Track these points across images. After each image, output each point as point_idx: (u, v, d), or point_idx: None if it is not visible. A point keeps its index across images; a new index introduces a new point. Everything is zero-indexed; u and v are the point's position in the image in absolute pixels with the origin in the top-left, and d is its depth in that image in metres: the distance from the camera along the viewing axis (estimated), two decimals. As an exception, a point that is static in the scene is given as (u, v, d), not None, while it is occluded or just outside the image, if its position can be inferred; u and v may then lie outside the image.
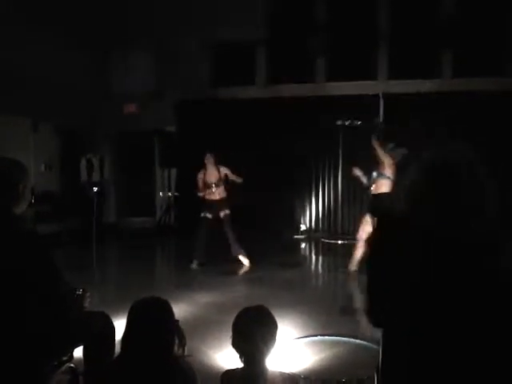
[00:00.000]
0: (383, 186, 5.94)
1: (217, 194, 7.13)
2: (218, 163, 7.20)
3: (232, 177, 7.17)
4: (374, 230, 1.81)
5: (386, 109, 9.36)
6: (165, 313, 2.12)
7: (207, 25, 9.77)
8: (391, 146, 6.22)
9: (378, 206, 5.68)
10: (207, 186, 7.09)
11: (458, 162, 1.56)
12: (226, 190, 7.25)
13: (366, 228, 6.09)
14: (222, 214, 7.07)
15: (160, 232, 9.96)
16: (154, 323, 2.06)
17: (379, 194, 5.81)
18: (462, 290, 1.48)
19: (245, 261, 7.09)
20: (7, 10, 7.99)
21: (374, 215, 5.86)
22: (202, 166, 7.21)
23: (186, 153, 10.09)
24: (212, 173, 7.15)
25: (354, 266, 6.33)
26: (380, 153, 6.03)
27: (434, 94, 8.98)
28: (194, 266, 6.97)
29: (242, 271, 6.88)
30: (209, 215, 7.09)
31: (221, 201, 7.13)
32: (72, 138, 9.81)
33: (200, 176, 7.16)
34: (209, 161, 7.16)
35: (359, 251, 6.29)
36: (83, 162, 9.10)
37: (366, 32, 9.51)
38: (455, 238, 1.51)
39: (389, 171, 5.96)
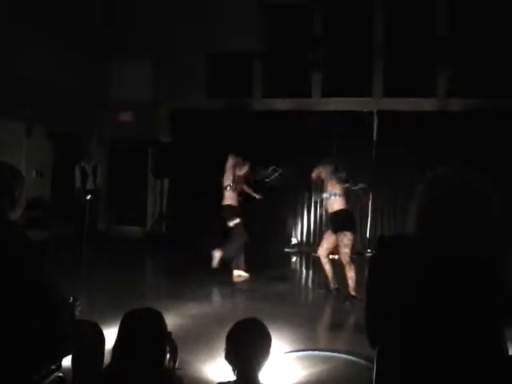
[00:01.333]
0: (335, 203, 6.06)
1: (237, 201, 7.14)
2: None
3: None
4: (374, 251, 1.82)
5: (380, 126, 9.45)
6: (157, 324, 2.10)
7: (205, 36, 9.83)
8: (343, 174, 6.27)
9: (337, 221, 5.85)
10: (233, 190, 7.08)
11: (470, 184, 1.57)
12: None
13: (325, 245, 6.14)
14: (232, 223, 6.99)
15: (151, 241, 9.91)
16: (145, 334, 2.04)
17: (337, 211, 5.97)
18: (464, 308, 1.49)
19: (242, 273, 7.03)
20: (4, 15, 7.98)
21: (335, 230, 6.01)
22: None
23: (180, 163, 10.11)
24: (240, 180, 7.23)
25: (332, 283, 6.24)
26: (328, 177, 6.18)
27: (429, 112, 9.07)
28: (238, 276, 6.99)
29: (233, 283, 6.84)
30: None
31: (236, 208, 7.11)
32: (65, 144, 9.77)
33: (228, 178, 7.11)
34: (242, 167, 7.22)
35: (327, 267, 6.23)
36: (77, 170, 9.05)
37: (362, 49, 9.61)
38: (464, 257, 1.52)
39: (338, 189, 6.07)
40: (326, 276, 6.28)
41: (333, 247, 6.13)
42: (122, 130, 10.44)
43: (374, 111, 9.48)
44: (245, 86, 10.28)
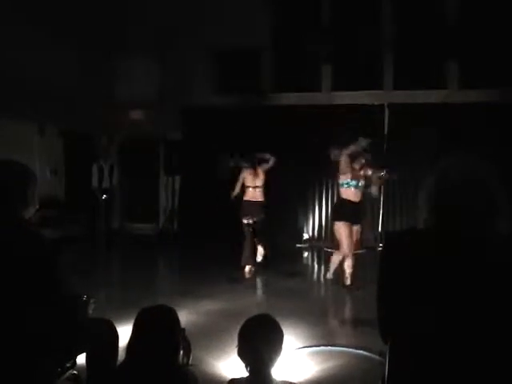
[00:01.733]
0: (355, 193, 6.04)
1: (257, 197, 7.22)
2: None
3: None
4: (383, 246, 1.82)
5: (390, 119, 9.39)
6: (171, 321, 2.11)
7: (212, 32, 9.81)
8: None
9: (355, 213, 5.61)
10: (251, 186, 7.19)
11: (480, 170, 1.58)
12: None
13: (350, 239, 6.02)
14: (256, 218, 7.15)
15: (163, 239, 9.95)
16: (159, 331, 2.06)
17: (355, 202, 5.91)
18: (480, 298, 1.48)
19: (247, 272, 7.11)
20: (13, 17, 8.04)
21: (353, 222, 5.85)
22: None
23: (191, 160, 10.14)
24: (262, 176, 7.30)
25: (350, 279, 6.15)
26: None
27: (440, 104, 8.99)
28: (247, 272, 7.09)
29: (245, 279, 6.85)
30: (249, 220, 7.17)
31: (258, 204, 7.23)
32: (78, 143, 9.84)
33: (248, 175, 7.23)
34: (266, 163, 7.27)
35: (349, 263, 6.12)
36: (95, 169, 9.14)
37: (372, 41, 9.54)
38: (475, 245, 1.52)
39: (361, 178, 6.07)
40: (344, 272, 6.20)
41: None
42: (132, 129, 10.49)
43: (385, 104, 9.42)
44: (253, 82, 10.26)
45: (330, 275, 6.58)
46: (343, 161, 6.04)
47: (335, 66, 9.82)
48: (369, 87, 9.54)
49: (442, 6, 9.20)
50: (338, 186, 6.23)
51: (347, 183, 6.06)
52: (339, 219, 6.02)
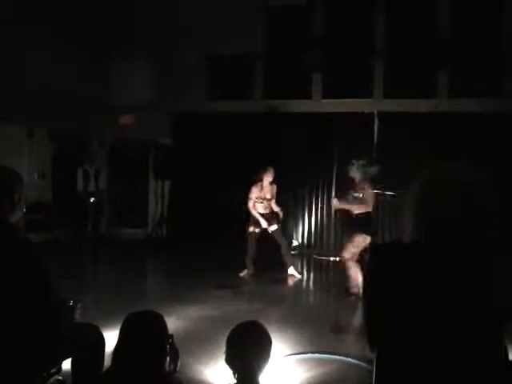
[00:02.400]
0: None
1: (268, 208, 7.35)
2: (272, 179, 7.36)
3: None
4: (369, 253, 1.82)
5: (380, 127, 9.44)
6: (158, 327, 2.10)
7: (205, 38, 9.84)
8: (361, 162, 6.19)
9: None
10: (260, 200, 7.25)
11: (468, 179, 1.57)
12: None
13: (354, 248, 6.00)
14: (272, 228, 7.26)
15: (152, 244, 9.90)
16: (146, 337, 2.04)
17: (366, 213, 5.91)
18: (469, 307, 1.49)
19: (295, 273, 7.40)
20: (4, 19, 8.00)
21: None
22: (258, 180, 7.28)
23: (181, 165, 10.12)
24: (269, 188, 7.32)
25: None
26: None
27: (430, 113, 9.05)
28: (244, 274, 7.30)
29: (233, 286, 6.83)
30: (257, 230, 7.26)
31: (272, 215, 7.35)
32: (66, 146, 9.79)
33: (255, 190, 7.24)
34: (269, 175, 7.25)
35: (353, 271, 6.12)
36: (79, 173, 9.08)
37: (363, 49, 9.61)
38: (463, 254, 1.51)
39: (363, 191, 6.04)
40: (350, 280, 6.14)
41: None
42: (122, 133, 10.45)
43: (375, 112, 9.48)
44: (245, 88, 10.29)
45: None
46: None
47: (326, 74, 9.86)
48: (359, 95, 9.60)
49: (433, 16, 9.29)
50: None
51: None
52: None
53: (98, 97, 10.09)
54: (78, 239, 7.94)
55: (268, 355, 2.12)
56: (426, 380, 1.51)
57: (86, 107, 9.82)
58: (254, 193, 7.22)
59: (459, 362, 1.49)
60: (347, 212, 6.27)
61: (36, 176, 9.22)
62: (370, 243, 5.82)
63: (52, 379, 2.55)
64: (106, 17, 9.96)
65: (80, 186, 9.06)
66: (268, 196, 7.30)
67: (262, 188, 7.26)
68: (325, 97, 9.88)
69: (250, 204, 7.23)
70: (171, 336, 2.19)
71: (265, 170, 7.24)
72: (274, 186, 7.39)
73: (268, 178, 7.25)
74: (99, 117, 10.18)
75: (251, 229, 7.28)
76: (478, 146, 8.33)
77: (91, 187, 9.07)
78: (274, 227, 7.27)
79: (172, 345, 2.18)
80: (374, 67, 9.63)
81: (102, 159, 10.37)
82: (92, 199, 8.11)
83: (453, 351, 1.49)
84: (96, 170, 9.22)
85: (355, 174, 6.13)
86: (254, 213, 7.22)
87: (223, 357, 2.13)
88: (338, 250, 9.24)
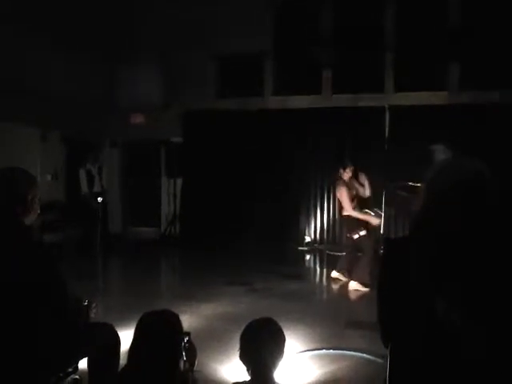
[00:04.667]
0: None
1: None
2: None
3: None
4: (383, 248, 1.83)
5: (391, 121, 9.37)
6: (173, 326, 2.11)
7: (214, 36, 9.84)
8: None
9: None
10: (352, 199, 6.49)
11: (478, 170, 1.57)
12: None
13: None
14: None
15: (165, 242, 9.95)
16: (162, 336, 2.05)
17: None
18: (482, 300, 1.48)
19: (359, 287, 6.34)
20: (16, 23, 8.06)
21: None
22: (348, 180, 6.54)
23: (193, 163, 10.17)
24: (354, 184, 6.64)
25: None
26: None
27: (441, 106, 8.98)
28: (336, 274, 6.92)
29: (246, 283, 6.85)
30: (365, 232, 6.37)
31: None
32: (79, 147, 9.85)
33: (347, 192, 6.44)
34: (349, 171, 6.54)
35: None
36: (82, 174, 8.92)
37: (373, 44, 9.54)
38: (470, 246, 1.51)
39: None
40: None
41: None
42: (134, 133, 10.50)
43: (386, 106, 9.41)
44: (255, 85, 10.28)
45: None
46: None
47: (336, 69, 9.82)
48: (369, 89, 9.54)
49: (443, 8, 9.20)
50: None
51: None
52: None
53: (109, 97, 10.15)
54: (91, 239, 7.97)
55: (282, 351, 2.12)
56: (439, 375, 1.50)
57: (98, 107, 9.89)
58: (348, 195, 6.44)
59: (473, 355, 1.48)
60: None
61: (49, 177, 9.28)
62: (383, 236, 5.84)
63: (69, 378, 2.57)
64: (115, 16, 9.99)
65: (84, 187, 8.84)
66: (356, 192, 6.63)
67: (349, 187, 6.54)
68: (335, 92, 9.84)
69: (350, 209, 6.43)
70: (188, 334, 2.20)
71: (344, 168, 6.54)
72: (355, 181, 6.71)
73: (348, 175, 6.57)
74: (110, 117, 10.24)
75: (362, 232, 6.35)
76: (490, 138, 8.24)
77: (96, 187, 8.94)
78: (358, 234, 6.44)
79: (189, 343, 2.19)
80: (384, 61, 9.56)
81: (112, 158, 10.39)
82: (99, 199, 8.02)
83: (467, 345, 1.48)
84: (99, 169, 9.12)
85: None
86: (361, 215, 6.45)
87: (237, 354, 2.14)
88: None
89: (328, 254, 9.29)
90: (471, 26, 8.95)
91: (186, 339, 2.17)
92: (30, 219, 2.33)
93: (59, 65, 8.88)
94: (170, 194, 10.43)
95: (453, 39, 9.08)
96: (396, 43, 9.45)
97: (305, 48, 9.82)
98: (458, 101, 8.97)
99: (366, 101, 9.42)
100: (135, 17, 10.27)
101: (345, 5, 9.74)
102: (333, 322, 4.97)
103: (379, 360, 3.61)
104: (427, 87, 9.21)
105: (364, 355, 3.96)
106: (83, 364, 2.62)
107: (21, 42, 8.10)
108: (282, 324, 2.25)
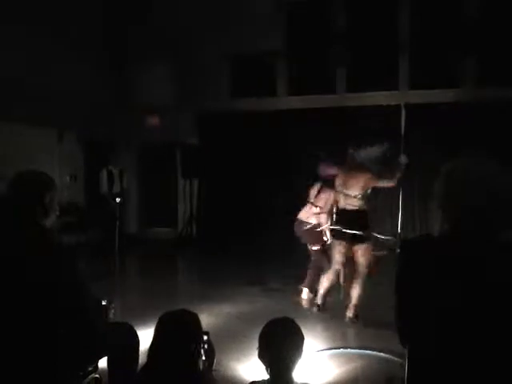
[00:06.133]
0: None
1: None
2: None
3: None
4: (399, 248, 1.81)
5: (407, 119, 9.28)
6: (192, 325, 2.12)
7: (228, 36, 9.86)
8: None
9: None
10: None
11: (494, 171, 1.55)
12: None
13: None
14: None
15: (182, 243, 10.00)
16: (181, 336, 2.07)
17: None
18: (499, 303, 1.46)
19: None
20: (33, 25, 8.17)
21: None
22: None
23: (208, 164, 10.19)
24: None
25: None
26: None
27: (457, 103, 8.88)
28: None
29: (263, 282, 6.85)
30: None
31: None
32: (96, 149, 9.95)
33: None
34: None
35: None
36: (104, 174, 9.16)
37: (387, 41, 9.47)
38: (491, 250, 1.49)
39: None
40: None
41: None
42: (149, 134, 10.57)
43: (402, 104, 9.32)
44: (269, 85, 10.28)
45: None
46: None
47: (350, 68, 9.77)
48: (384, 88, 9.47)
49: (458, 4, 9.10)
50: None
51: None
52: None
53: (125, 99, 10.24)
54: (109, 240, 8.05)
55: (301, 351, 2.12)
56: (457, 375, 1.50)
57: (114, 109, 9.97)
58: None
59: (492, 358, 1.47)
60: None
61: (68, 179, 9.39)
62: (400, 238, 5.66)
63: (89, 377, 2.61)
64: (130, 18, 10.07)
65: (104, 187, 9.09)
66: None
67: None
68: (349, 91, 9.79)
69: None
70: (207, 333, 2.21)
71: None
72: None
73: None
74: (127, 119, 10.32)
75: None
76: (506, 135, 8.13)
77: (116, 188, 9.12)
78: None
79: (208, 342, 2.21)
80: (398, 58, 9.49)
81: (129, 160, 10.49)
82: (118, 199, 8.15)
83: (486, 347, 1.47)
84: (120, 171, 9.28)
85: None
86: None
87: (256, 353, 2.15)
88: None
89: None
90: (487, 20, 8.82)
91: (204, 339, 2.19)
92: (50, 221, 2.36)
93: (75, 66, 8.98)
94: (186, 194, 10.48)
95: (468, 34, 8.96)
96: (410, 40, 9.35)
97: (319, 47, 9.79)
98: (474, 98, 8.84)
99: (381, 99, 9.35)
100: (151, 17, 10.32)
101: (357, 2, 9.69)
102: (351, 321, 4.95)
103: (397, 359, 3.60)
104: (443, 84, 9.11)
105: (381, 354, 3.95)
106: (103, 363, 2.65)
107: (36, 43, 8.19)
108: (299, 323, 2.25)
